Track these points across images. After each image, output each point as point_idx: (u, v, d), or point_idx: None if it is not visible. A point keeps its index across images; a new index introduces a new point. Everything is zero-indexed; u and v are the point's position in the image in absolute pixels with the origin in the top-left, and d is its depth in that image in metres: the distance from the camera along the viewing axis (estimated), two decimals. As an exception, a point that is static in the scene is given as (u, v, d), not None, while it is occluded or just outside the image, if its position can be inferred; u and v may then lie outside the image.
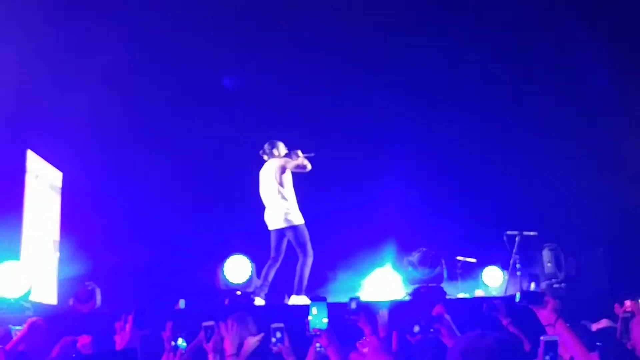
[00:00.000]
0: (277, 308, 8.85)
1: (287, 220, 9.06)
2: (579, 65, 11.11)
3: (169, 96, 10.90)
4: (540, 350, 3.91)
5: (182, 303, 9.34)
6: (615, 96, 11.24)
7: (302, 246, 9.03)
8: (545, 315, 4.27)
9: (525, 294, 4.46)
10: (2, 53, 9.33)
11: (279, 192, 9.10)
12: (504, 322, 5.78)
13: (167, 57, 10.82)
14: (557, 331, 4.10)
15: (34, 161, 9.93)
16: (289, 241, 9.17)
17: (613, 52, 11.06)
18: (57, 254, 10.53)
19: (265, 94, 11.46)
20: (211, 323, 5.02)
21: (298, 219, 9.11)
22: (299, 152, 9.31)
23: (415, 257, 9.23)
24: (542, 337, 3.97)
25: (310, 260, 8.99)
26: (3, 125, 9.61)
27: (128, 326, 5.33)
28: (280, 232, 9.13)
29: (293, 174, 9.28)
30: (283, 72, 11.21)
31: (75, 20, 9.99)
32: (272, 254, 9.15)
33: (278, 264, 9.12)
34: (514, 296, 8.07)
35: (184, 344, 4.98)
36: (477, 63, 11.47)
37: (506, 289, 9.87)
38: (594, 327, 5.87)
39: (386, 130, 11.89)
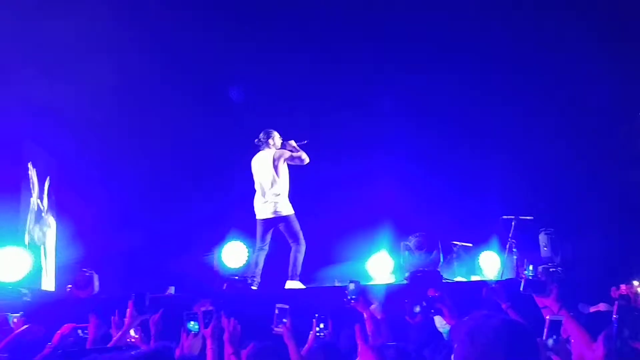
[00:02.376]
0: (276, 293, 8.86)
1: (276, 211, 9.00)
2: (575, 49, 11.09)
3: (164, 83, 10.83)
4: (546, 329, 3.94)
5: (172, 289, 9.34)
6: (610, 82, 11.26)
7: (294, 236, 9.01)
8: (549, 304, 4.30)
9: (530, 282, 4.46)
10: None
11: (273, 182, 9.02)
12: (504, 306, 5.80)
13: (162, 46, 10.76)
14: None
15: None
16: (277, 231, 9.15)
17: (609, 37, 11.06)
18: (55, 241, 10.53)
19: (261, 76, 11.38)
20: (210, 308, 5.04)
21: (288, 210, 9.05)
22: (293, 142, 9.27)
23: (412, 242, 9.27)
24: (547, 317, 4.01)
25: (303, 248, 8.98)
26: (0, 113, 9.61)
27: (128, 311, 5.35)
28: (269, 222, 9.07)
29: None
30: (277, 50, 11.14)
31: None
32: (259, 243, 9.09)
33: (266, 252, 9.09)
34: (512, 280, 8.18)
35: (196, 326, 5.00)
36: (477, 49, 11.44)
37: (502, 274, 9.91)
38: (592, 310, 5.92)
39: (384, 115, 11.87)
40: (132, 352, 2.73)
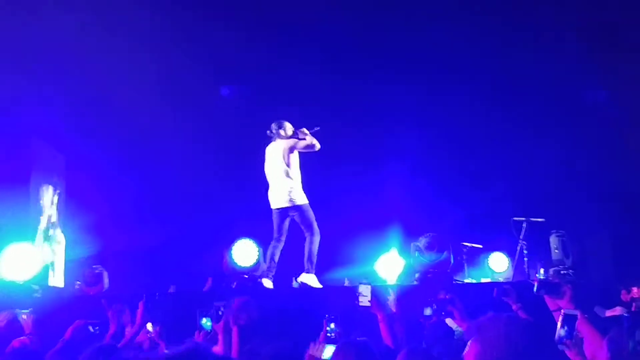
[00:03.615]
0: (287, 291, 8.85)
1: (290, 200, 8.97)
2: (583, 55, 11.06)
3: (174, 78, 10.86)
4: (560, 322, 3.93)
5: (172, 289, 9.32)
6: (618, 85, 11.24)
7: (309, 226, 8.97)
8: (563, 305, 4.28)
9: (544, 284, 4.44)
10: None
11: (286, 172, 9.01)
12: (514, 307, 5.79)
13: (174, 43, 10.77)
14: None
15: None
16: (293, 222, 9.13)
17: (615, 42, 11.04)
18: (64, 236, 10.54)
19: (272, 80, 11.41)
20: (222, 303, 5.04)
21: (302, 199, 9.03)
22: (305, 130, 9.25)
23: (422, 242, 9.25)
24: (562, 310, 3.99)
25: (317, 238, 8.92)
26: (8, 110, 9.64)
27: (139, 311, 5.36)
28: (283, 212, 9.04)
29: (301, 155, 9.24)
30: (288, 58, 11.17)
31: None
32: (275, 234, 9.07)
33: (282, 244, 9.04)
34: (523, 282, 8.15)
35: (209, 323, 5.00)
36: (483, 50, 11.41)
37: (513, 275, 9.87)
38: (608, 313, 5.88)
39: (392, 115, 11.84)
40: (166, 350, 2.74)
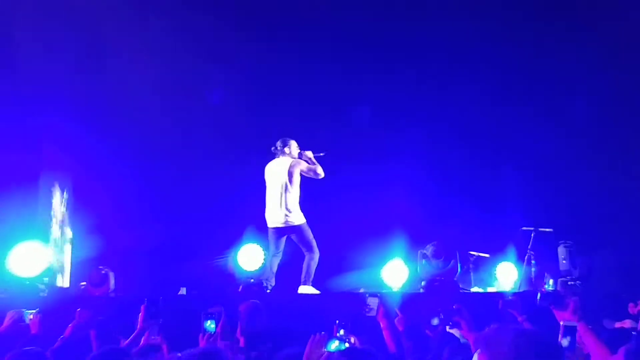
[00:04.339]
0: (291, 298, 8.82)
1: (287, 221, 8.90)
2: (593, 60, 11.03)
3: (182, 80, 10.88)
4: (560, 333, 3.93)
5: (183, 290, 9.30)
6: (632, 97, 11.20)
7: (308, 245, 8.92)
8: (567, 317, 4.27)
9: (547, 295, 4.44)
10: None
11: (286, 190, 8.91)
12: (519, 318, 5.76)
13: (184, 43, 10.80)
14: (579, 333, 4.10)
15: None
16: (290, 239, 9.07)
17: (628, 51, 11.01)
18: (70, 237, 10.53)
19: (276, 84, 11.39)
20: (219, 309, 5.06)
21: (299, 219, 8.94)
22: (309, 153, 9.17)
23: (429, 250, 9.22)
24: (561, 322, 3.99)
25: (316, 257, 8.87)
26: (17, 113, 9.68)
27: (141, 315, 5.34)
28: (280, 231, 8.98)
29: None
30: (290, 60, 11.16)
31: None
32: (272, 250, 9.02)
33: (279, 257, 9.02)
34: (529, 292, 8.11)
35: (212, 325, 5.01)
36: (490, 54, 11.40)
37: (520, 285, 9.82)
38: (617, 325, 5.85)
39: (398, 122, 11.81)
40: (179, 354, 2.74)
